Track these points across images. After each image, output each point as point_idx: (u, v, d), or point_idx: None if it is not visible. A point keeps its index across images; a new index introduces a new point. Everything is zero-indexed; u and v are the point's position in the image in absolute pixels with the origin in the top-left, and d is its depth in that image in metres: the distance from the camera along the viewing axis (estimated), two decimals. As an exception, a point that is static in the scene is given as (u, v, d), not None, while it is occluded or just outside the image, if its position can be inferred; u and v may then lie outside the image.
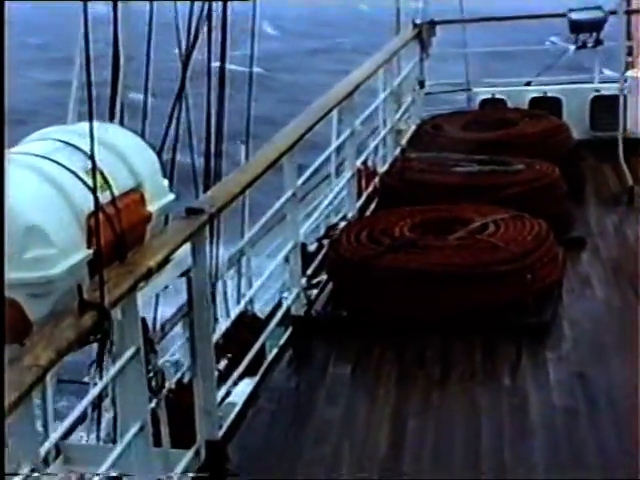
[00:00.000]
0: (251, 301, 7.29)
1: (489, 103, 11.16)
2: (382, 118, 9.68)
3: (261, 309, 7.66)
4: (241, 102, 9.09)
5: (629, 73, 9.33)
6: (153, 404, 4.41)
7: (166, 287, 4.62)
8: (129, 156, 4.24)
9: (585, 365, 5.72)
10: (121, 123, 7.08)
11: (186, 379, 5.37)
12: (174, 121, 7.88)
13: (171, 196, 4.55)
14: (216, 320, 6.49)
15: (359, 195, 8.50)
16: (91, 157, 3.60)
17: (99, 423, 6.77)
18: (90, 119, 3.55)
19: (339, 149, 8.27)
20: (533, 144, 9.09)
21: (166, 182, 4.55)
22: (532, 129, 9.57)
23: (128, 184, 4.18)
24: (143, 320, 4.16)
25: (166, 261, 4.24)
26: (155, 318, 7.39)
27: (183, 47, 7.86)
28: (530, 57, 12.88)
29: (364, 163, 9.17)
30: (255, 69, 9.21)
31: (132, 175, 4.22)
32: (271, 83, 30.96)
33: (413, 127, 10.62)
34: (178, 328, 6.49)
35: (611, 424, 5.01)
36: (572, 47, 11.00)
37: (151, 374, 4.30)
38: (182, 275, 4.59)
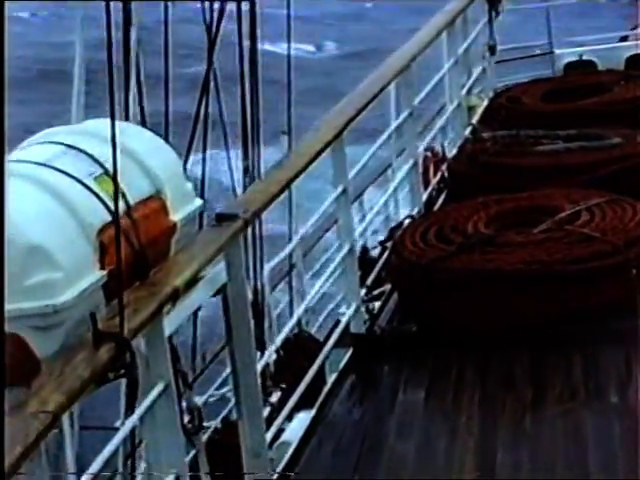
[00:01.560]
0: (307, 320, 7.29)
1: (576, 66, 11.09)
2: (448, 93, 9.63)
3: (320, 328, 7.66)
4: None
5: None
6: (192, 450, 4.41)
7: (198, 309, 4.62)
8: (145, 158, 4.26)
9: None
10: (143, 123, 7.12)
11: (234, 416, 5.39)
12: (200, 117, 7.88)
13: (198, 202, 4.55)
14: (265, 345, 6.49)
15: (426, 187, 8.47)
16: (113, 163, 3.60)
17: (133, 476, 6.79)
18: (112, 116, 3.56)
19: (399, 133, 8.23)
20: (632, 112, 8.99)
21: (191, 186, 4.55)
22: (631, 94, 9.52)
23: (146, 191, 4.20)
24: (174, 349, 4.17)
25: (195, 279, 4.24)
26: (194, 345, 7.43)
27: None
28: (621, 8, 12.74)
29: (430, 148, 9.15)
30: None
31: (150, 180, 4.23)
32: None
33: (485, 101, 10.56)
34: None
35: None
36: None
37: (186, 414, 4.29)
38: (216, 294, 4.58)
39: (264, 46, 8.52)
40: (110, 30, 3.53)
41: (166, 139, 6.26)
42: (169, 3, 7.85)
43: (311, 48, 35.28)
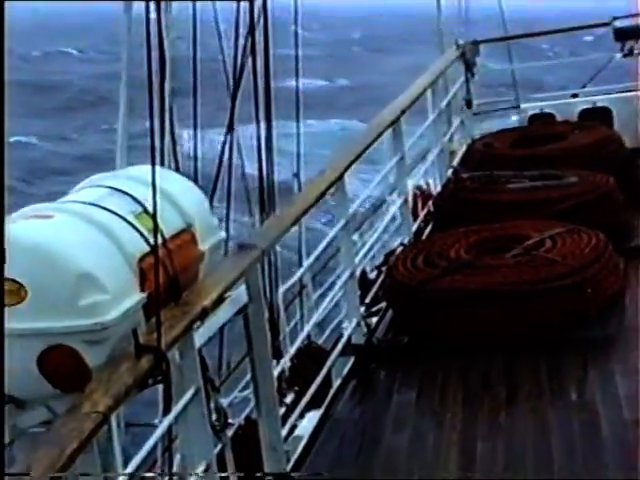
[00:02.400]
0: (315, 333, 7.24)
1: (538, 118, 11.06)
2: (433, 140, 9.63)
3: (326, 340, 7.62)
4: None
5: None
6: (219, 444, 4.37)
7: (224, 325, 4.60)
8: (177, 198, 4.24)
9: None
10: (177, 168, 7.11)
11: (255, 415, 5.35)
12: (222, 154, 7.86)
13: (222, 234, 4.53)
14: (280, 354, 6.46)
15: (415, 219, 8.45)
16: (153, 203, 3.60)
17: (170, 466, 6.75)
18: (152, 163, 3.57)
19: (392, 174, 8.22)
20: (585, 156, 8.97)
21: (216, 220, 4.55)
22: (583, 141, 9.46)
23: (178, 225, 4.17)
24: (203, 359, 4.14)
25: (221, 299, 4.22)
26: (220, 356, 7.40)
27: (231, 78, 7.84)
28: (575, 67, 12.75)
29: (419, 187, 9.13)
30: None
31: (181, 216, 4.21)
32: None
33: (464, 147, 10.55)
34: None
35: None
36: (618, 55, 10.85)
37: (214, 413, 4.26)
38: (239, 313, 4.56)
39: (284, 83, 8.55)
40: (149, 31, 3.53)
41: (195, 181, 6.24)
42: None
43: (321, 82, 36.08)
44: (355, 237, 7.49)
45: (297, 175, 8.66)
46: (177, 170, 7.06)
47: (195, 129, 8.24)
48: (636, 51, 10.71)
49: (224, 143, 7.83)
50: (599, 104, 10.87)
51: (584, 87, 11.57)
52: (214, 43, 8.03)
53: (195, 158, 8.11)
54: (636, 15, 10.74)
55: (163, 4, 6.82)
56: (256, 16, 7.15)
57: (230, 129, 7.88)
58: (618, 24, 10.71)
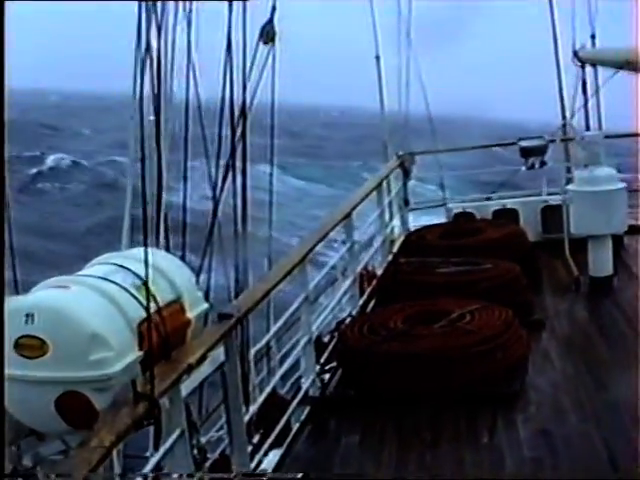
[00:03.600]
0: (279, 386, 7.25)
1: (461, 215, 11.26)
2: (377, 231, 9.78)
3: (288, 391, 7.62)
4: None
5: (569, 187, 9.42)
6: (199, 474, 4.38)
7: (206, 379, 4.63)
8: (170, 275, 4.31)
9: (548, 423, 5.68)
10: (167, 249, 7.15)
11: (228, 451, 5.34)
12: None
13: (206, 305, 4.59)
14: (249, 402, 6.46)
15: (362, 294, 8.53)
16: (145, 281, 3.68)
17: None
18: (145, 244, 3.66)
19: (344, 258, 8.33)
20: (498, 247, 9.13)
21: (201, 294, 4.61)
22: (496, 235, 9.62)
23: (170, 297, 4.25)
24: (187, 406, 4.18)
25: (203, 358, 4.27)
26: (201, 402, 7.37)
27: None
28: (491, 176, 13.03)
29: (365, 268, 9.22)
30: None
31: (173, 289, 4.29)
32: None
33: (402, 237, 10.70)
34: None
35: (570, 471, 4.96)
36: (523, 168, 11.15)
37: (195, 450, 4.28)
38: (217, 369, 4.60)
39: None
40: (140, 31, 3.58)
41: (182, 258, 6.27)
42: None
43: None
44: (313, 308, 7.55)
45: (268, 257, 8.71)
46: (167, 249, 7.11)
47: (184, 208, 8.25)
48: (537, 165, 10.99)
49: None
50: (508, 206, 11.13)
51: (497, 192, 11.84)
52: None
53: (183, 244, 8.14)
54: (537, 137, 11.04)
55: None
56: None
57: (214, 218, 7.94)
58: (523, 144, 11.01)
